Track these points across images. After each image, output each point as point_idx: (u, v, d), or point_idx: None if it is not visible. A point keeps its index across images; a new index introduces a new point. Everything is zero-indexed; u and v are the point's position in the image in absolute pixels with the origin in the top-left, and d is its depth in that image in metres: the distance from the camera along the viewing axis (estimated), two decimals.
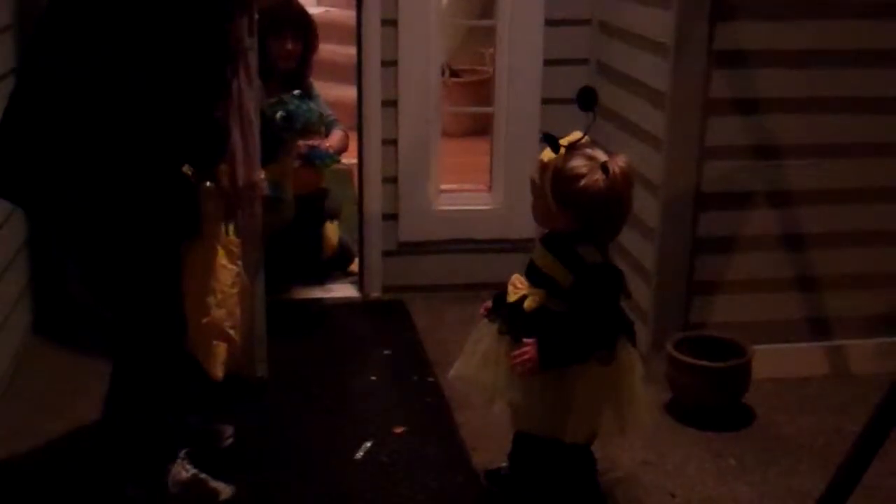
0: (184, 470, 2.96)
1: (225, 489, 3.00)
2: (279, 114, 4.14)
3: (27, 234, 4.00)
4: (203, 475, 2.99)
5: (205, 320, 3.01)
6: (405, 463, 3.25)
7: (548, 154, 2.68)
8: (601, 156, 2.64)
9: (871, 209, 3.70)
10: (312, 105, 4.34)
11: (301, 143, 4.35)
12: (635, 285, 3.77)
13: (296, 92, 4.29)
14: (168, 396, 2.91)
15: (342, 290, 4.56)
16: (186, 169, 2.85)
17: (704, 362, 3.46)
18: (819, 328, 3.79)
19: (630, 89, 3.90)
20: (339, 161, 4.57)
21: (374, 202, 4.41)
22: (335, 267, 4.66)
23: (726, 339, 3.57)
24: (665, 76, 3.53)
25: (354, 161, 4.55)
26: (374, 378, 3.83)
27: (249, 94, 3.15)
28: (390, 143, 4.36)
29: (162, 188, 2.69)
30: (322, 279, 4.59)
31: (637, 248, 3.82)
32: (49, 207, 2.68)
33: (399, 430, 3.43)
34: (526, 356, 2.66)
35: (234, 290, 3.08)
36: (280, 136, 4.15)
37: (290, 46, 4.35)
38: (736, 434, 3.44)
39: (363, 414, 3.57)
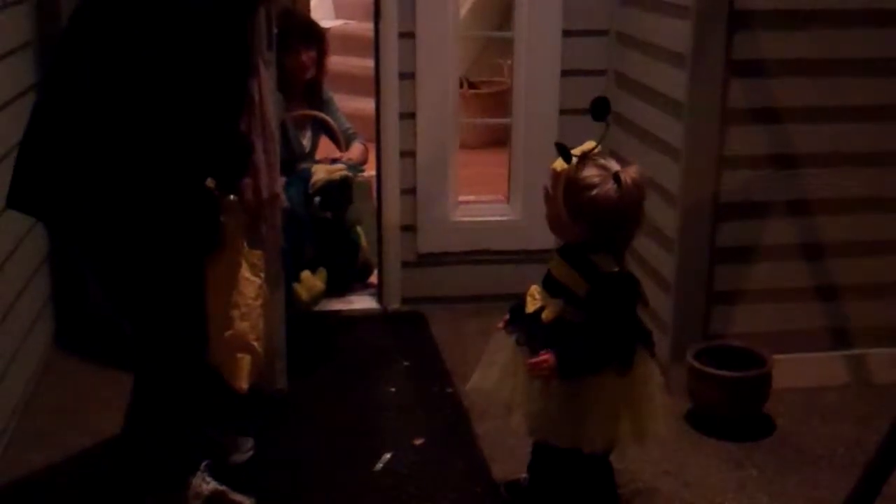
0: (204, 482, 2.97)
1: (246, 501, 3.01)
2: (316, 199, 4.17)
3: (48, 247, 4.03)
4: (223, 487, 3.00)
5: (228, 333, 3.02)
6: (425, 474, 3.25)
7: (560, 164, 2.68)
8: (614, 166, 2.65)
9: (890, 218, 3.68)
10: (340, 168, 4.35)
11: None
12: (655, 295, 3.76)
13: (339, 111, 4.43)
14: (189, 409, 2.91)
15: (361, 302, 4.57)
16: (209, 182, 2.86)
17: (724, 372, 3.45)
18: (839, 338, 3.77)
19: (648, 99, 3.90)
20: (363, 171, 4.59)
21: (393, 214, 4.42)
22: (355, 279, 4.67)
23: (746, 348, 3.56)
24: (683, 86, 3.53)
25: (373, 173, 4.57)
26: (393, 389, 3.83)
27: (271, 107, 3.17)
28: (408, 154, 4.37)
29: (185, 202, 2.70)
30: (342, 291, 4.60)
31: (656, 258, 3.81)
32: (72, 221, 2.70)
33: (418, 441, 3.43)
34: (545, 365, 2.67)
35: (258, 303, 3.09)
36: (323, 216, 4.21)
37: (303, 57, 4.36)
38: (756, 444, 3.43)
39: (382, 425, 3.57)
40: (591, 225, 2.65)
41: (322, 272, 4.17)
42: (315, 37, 4.46)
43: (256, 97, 3.05)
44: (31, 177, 2.67)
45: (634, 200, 2.64)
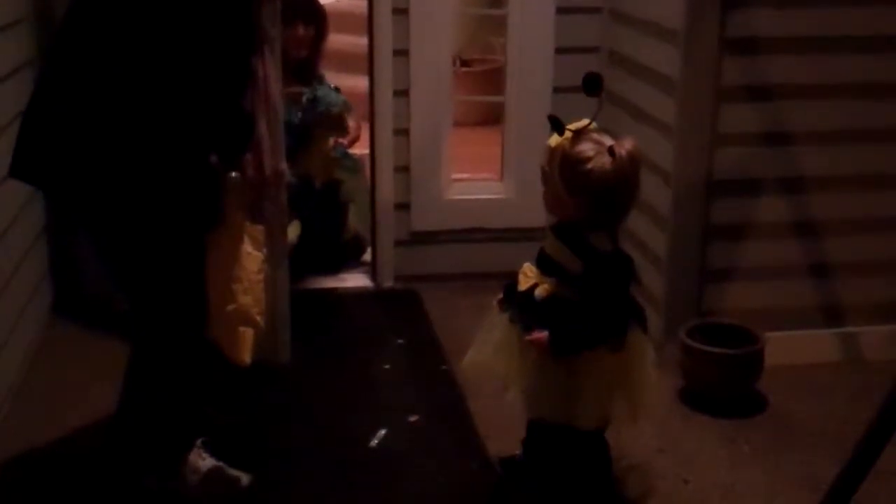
0: (201, 459, 2.98)
1: (243, 477, 3.02)
2: (306, 96, 4.19)
3: (46, 219, 4.03)
4: (220, 463, 3.00)
5: (231, 307, 3.02)
6: (419, 451, 3.27)
7: (555, 139, 2.69)
8: (608, 140, 2.66)
9: (884, 196, 3.69)
10: (340, 98, 4.39)
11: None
12: (647, 273, 3.77)
13: (333, 86, 4.44)
14: (186, 385, 2.92)
15: (355, 280, 4.58)
16: (212, 158, 2.86)
17: (717, 349, 3.47)
18: (832, 315, 3.79)
19: (641, 77, 3.91)
20: (361, 168, 4.62)
21: (387, 192, 4.42)
22: (348, 256, 4.68)
23: (739, 326, 3.57)
24: (676, 64, 3.53)
25: (367, 151, 4.57)
26: (387, 367, 3.84)
27: (275, 83, 3.16)
28: (402, 132, 4.36)
29: (188, 177, 2.70)
30: (335, 269, 4.61)
31: (649, 235, 3.82)
32: (73, 193, 2.70)
33: (413, 418, 3.44)
34: (538, 342, 2.69)
35: (260, 277, 3.09)
36: (303, 120, 4.21)
37: (301, 33, 4.37)
38: (749, 421, 3.45)
39: (377, 402, 3.58)
40: (587, 199, 2.66)
41: (295, 225, 4.17)
42: (316, 15, 4.46)
43: (261, 74, 3.04)
44: (33, 147, 2.67)
45: (629, 173, 2.66)
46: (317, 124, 4.35)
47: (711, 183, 3.61)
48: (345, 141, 4.53)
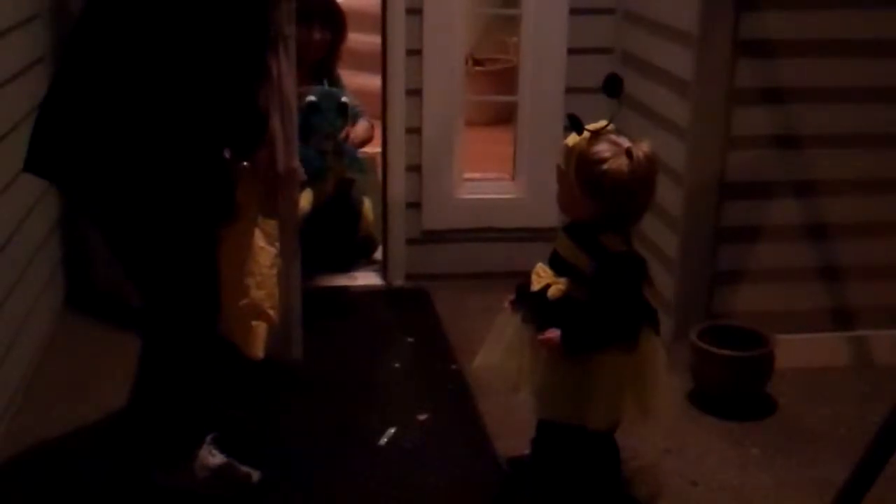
0: (211, 455, 2.99)
1: (254, 473, 3.02)
2: (308, 98, 4.19)
3: (60, 212, 4.05)
4: (230, 460, 3.01)
5: (244, 302, 3.03)
6: (429, 449, 3.27)
7: (573, 139, 2.70)
8: (625, 142, 2.66)
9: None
10: (336, 123, 4.36)
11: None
12: (658, 274, 3.76)
13: (344, 99, 4.36)
14: (197, 381, 2.93)
15: (365, 279, 4.58)
16: (226, 153, 2.87)
17: (727, 351, 3.47)
18: (842, 318, 3.78)
19: (655, 79, 3.90)
20: (364, 172, 4.61)
21: (398, 191, 4.42)
22: (359, 255, 4.68)
23: (749, 328, 3.57)
24: (690, 66, 3.53)
25: (378, 150, 4.57)
26: (397, 365, 3.85)
27: (290, 80, 3.17)
28: (414, 131, 4.37)
29: (201, 171, 2.71)
30: (346, 267, 4.61)
31: (660, 237, 3.82)
32: (87, 187, 2.71)
33: (423, 416, 3.45)
34: (550, 342, 2.69)
35: (273, 272, 3.11)
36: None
37: (316, 37, 4.36)
38: (758, 423, 3.45)
39: (387, 401, 3.59)
40: (602, 200, 2.66)
41: (308, 193, 4.16)
42: (333, 19, 4.45)
43: (275, 71, 3.05)
44: (48, 141, 2.68)
45: (646, 176, 2.66)
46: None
47: (723, 185, 3.60)
48: (353, 137, 4.49)
